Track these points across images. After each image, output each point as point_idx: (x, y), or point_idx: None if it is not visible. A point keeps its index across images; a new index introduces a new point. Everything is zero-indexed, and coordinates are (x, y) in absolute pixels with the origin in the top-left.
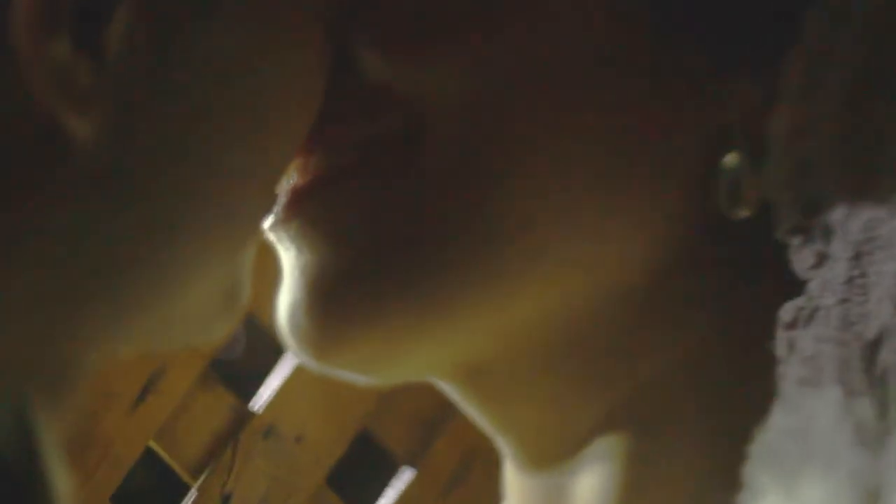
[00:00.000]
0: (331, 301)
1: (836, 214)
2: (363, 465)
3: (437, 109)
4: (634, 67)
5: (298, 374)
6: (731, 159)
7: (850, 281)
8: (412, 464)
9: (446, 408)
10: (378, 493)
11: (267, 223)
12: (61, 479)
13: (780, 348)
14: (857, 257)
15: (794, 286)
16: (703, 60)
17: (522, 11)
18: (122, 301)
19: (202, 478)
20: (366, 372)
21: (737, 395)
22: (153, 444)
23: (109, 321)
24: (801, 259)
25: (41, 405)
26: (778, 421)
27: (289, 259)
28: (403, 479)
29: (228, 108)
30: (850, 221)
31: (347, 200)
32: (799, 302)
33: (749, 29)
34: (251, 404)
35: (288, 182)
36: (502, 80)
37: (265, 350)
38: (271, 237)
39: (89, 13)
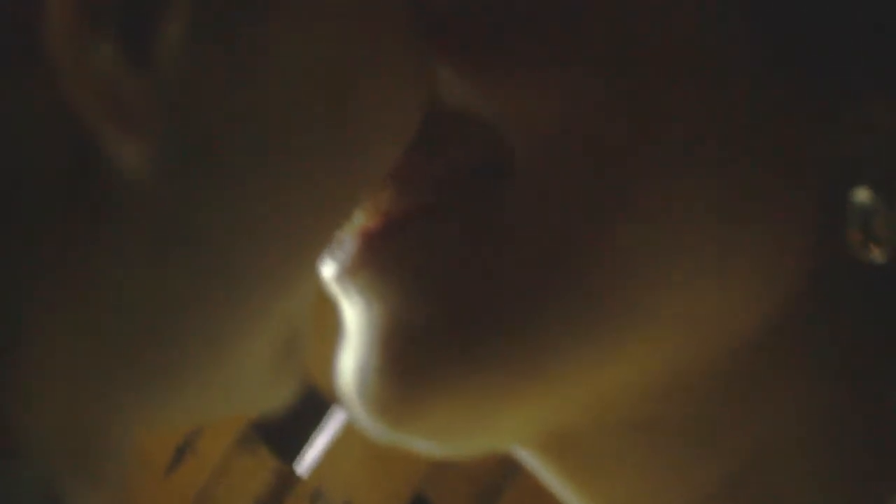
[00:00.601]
0: (408, 364)
1: None
2: None
3: (529, 140)
4: (754, 93)
5: (347, 433)
6: (862, 195)
7: None
8: None
9: (507, 471)
10: None
11: (329, 271)
12: None
13: None
14: None
15: None
16: (832, 83)
17: (631, 34)
18: (171, 368)
19: None
20: (444, 441)
21: (871, 460)
22: None
23: (154, 391)
24: None
25: (75, 484)
26: None
27: (356, 312)
28: None
29: (308, 133)
30: None
31: (425, 246)
32: None
33: (883, 47)
34: (296, 467)
35: (354, 224)
36: (608, 108)
37: (311, 407)
38: (335, 287)
39: (136, 9)
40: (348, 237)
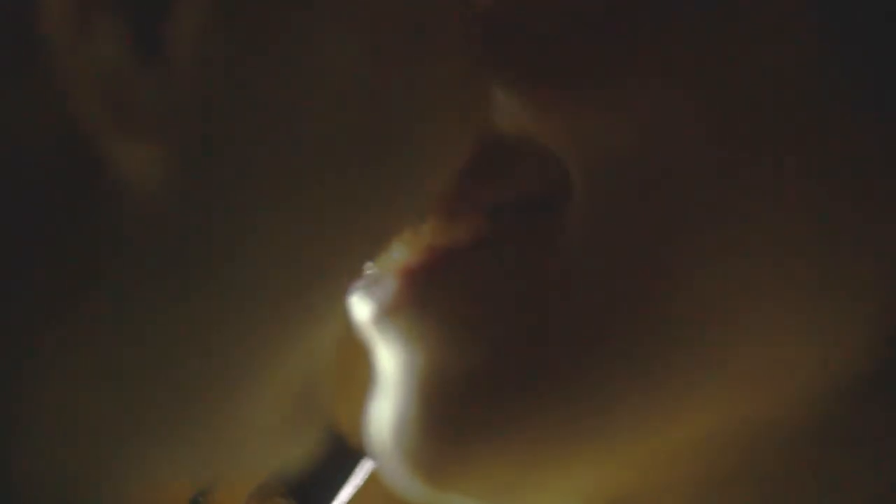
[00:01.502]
0: (454, 418)
1: None
2: None
3: (593, 168)
4: (845, 136)
5: (373, 484)
6: None
7: None
8: None
9: None
10: None
11: (365, 312)
12: None
13: None
14: None
15: None
16: None
17: (725, 57)
18: (178, 423)
19: None
20: (489, 502)
21: None
22: None
23: (161, 450)
24: None
25: None
26: None
27: (394, 357)
28: None
29: (345, 153)
30: None
31: (474, 285)
32: None
33: None
34: None
35: (395, 259)
36: (690, 137)
37: (335, 456)
38: (371, 329)
39: None
40: (388, 274)
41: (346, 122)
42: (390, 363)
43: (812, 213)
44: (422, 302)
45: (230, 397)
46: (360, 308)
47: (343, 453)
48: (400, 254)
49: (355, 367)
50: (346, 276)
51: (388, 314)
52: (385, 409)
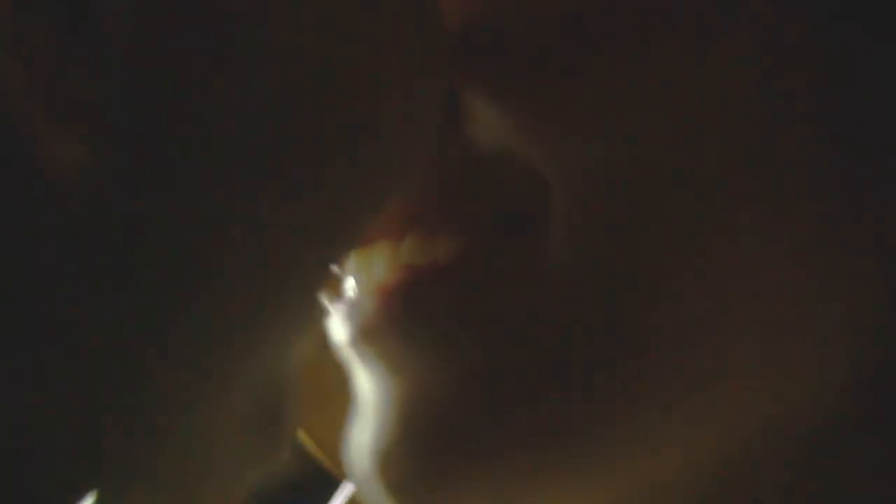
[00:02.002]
0: (436, 444)
1: None
2: None
3: (567, 183)
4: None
5: None
6: None
7: None
8: None
9: None
10: None
11: (341, 334)
12: None
13: None
14: None
15: None
16: None
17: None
18: (131, 445)
19: None
20: None
21: None
22: None
23: (111, 475)
24: None
25: None
26: None
27: (373, 381)
28: None
29: (297, 140)
30: None
31: (454, 305)
32: None
33: None
34: None
35: (369, 277)
36: (676, 152)
37: (313, 480)
38: (347, 353)
39: None
40: (365, 294)
41: (292, 108)
42: (369, 385)
43: (807, 216)
44: (399, 322)
45: (194, 412)
46: (338, 329)
47: (321, 477)
48: (378, 273)
49: (334, 390)
50: (308, 280)
51: (364, 337)
52: (364, 433)
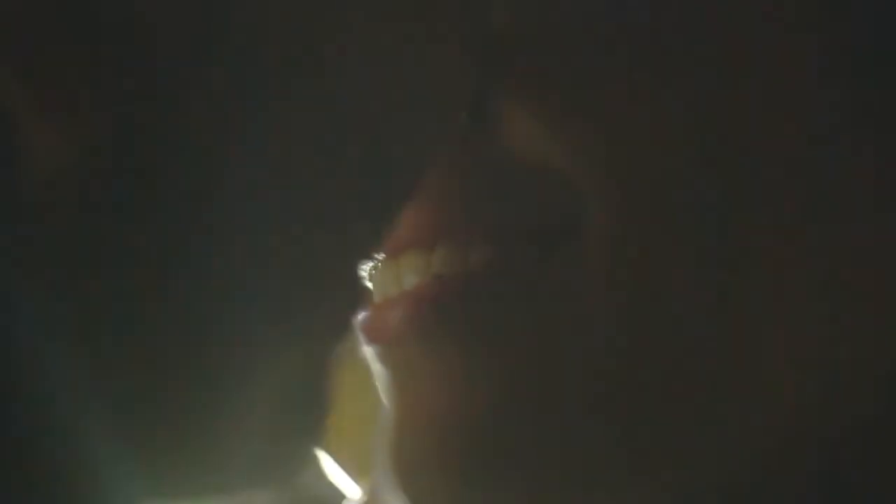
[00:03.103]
0: (462, 454)
1: None
2: None
3: (602, 192)
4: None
5: None
6: None
7: None
8: None
9: None
10: None
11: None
12: None
13: None
14: None
15: None
16: None
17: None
18: (151, 444)
19: None
20: None
21: None
22: None
23: (142, 470)
24: None
25: None
26: None
27: (400, 389)
28: None
29: (303, 128)
30: None
31: (482, 317)
32: None
33: None
34: None
35: (398, 287)
36: (705, 170)
37: (331, 488)
38: (376, 361)
39: None
40: (395, 302)
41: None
42: (397, 395)
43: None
44: (428, 332)
45: (219, 408)
46: (366, 337)
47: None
48: (407, 282)
49: (359, 397)
50: (338, 284)
51: (393, 345)
52: (386, 441)
